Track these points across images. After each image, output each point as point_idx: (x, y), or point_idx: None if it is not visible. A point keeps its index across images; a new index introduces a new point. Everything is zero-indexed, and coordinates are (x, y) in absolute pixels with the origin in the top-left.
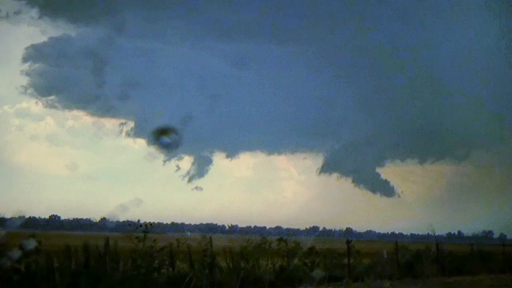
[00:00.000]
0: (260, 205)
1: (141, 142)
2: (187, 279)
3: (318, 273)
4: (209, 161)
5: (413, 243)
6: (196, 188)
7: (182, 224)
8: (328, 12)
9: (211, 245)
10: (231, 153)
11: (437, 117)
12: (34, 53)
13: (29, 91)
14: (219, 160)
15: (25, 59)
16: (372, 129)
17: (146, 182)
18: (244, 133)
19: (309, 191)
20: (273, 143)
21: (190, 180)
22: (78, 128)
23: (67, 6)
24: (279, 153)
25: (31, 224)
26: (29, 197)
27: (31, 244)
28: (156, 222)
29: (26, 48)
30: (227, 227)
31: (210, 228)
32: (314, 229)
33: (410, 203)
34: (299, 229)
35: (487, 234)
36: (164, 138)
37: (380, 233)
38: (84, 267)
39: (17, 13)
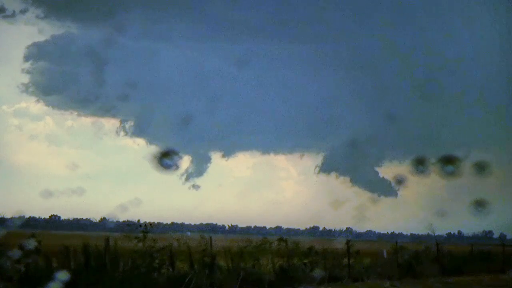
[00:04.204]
0: (260, 205)
1: (141, 142)
2: (187, 279)
3: (318, 273)
4: (207, 160)
5: (413, 243)
6: (193, 186)
7: (182, 224)
8: (328, 12)
9: (211, 245)
10: (228, 153)
11: (437, 117)
12: (36, 52)
13: (30, 89)
14: (216, 159)
15: (26, 58)
16: (371, 128)
17: (146, 182)
18: (242, 132)
19: (309, 191)
20: (271, 142)
21: (187, 178)
22: (78, 128)
23: (72, 6)
24: (277, 152)
25: (31, 224)
26: (29, 197)
27: (31, 244)
28: (156, 222)
29: (28, 47)
30: (227, 227)
31: (210, 228)
32: (314, 229)
33: (410, 203)
34: (299, 229)
35: (487, 234)
36: (166, 160)
37: (380, 233)
38: (84, 267)
39: (23, 11)
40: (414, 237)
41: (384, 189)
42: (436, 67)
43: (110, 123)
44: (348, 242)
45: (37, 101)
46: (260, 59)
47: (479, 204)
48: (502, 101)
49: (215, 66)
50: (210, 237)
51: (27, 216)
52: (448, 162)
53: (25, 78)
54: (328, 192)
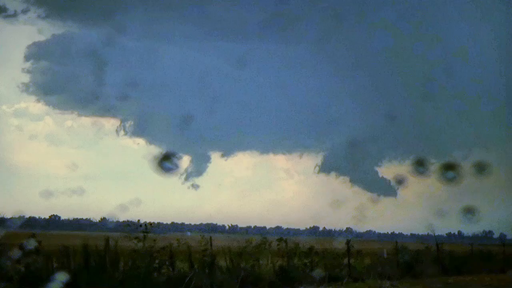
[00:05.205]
0: (260, 205)
1: (141, 142)
2: (187, 279)
3: (318, 273)
4: (207, 159)
5: (413, 243)
6: (193, 185)
7: (182, 224)
8: (328, 12)
9: (211, 245)
10: (228, 153)
11: (437, 117)
12: (37, 51)
13: (31, 89)
14: (215, 159)
15: (27, 57)
16: (371, 128)
17: (146, 182)
18: (241, 132)
19: (309, 191)
20: (271, 142)
21: (187, 178)
22: (78, 128)
23: (72, 6)
24: (277, 152)
25: (31, 224)
26: (29, 197)
27: (31, 244)
28: (156, 222)
29: (28, 46)
30: (227, 227)
31: (210, 228)
32: (314, 229)
33: (410, 203)
34: (299, 229)
35: (487, 234)
36: (166, 164)
37: (380, 233)
38: (84, 267)
39: (24, 11)
40: (414, 237)
41: (384, 189)
42: (436, 67)
43: (110, 123)
44: (348, 242)
45: (37, 101)
46: (260, 59)
47: (468, 211)
48: (502, 101)
49: (215, 66)
50: (210, 237)
51: (27, 216)
52: (449, 168)
53: (26, 78)
54: (328, 192)
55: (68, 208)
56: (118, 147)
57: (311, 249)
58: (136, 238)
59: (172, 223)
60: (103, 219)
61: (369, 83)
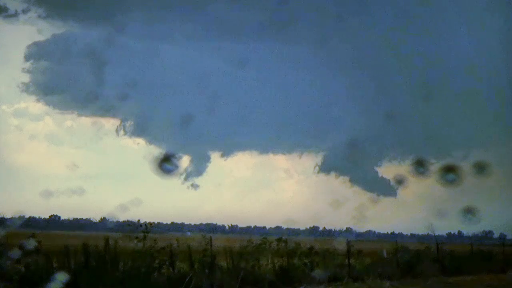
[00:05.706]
0: (260, 205)
1: (141, 142)
2: (187, 279)
3: (318, 273)
4: (207, 159)
5: (413, 243)
6: (192, 185)
7: (182, 224)
8: (328, 12)
9: (211, 245)
10: (227, 152)
11: (437, 117)
12: (37, 51)
13: (31, 89)
14: (215, 159)
15: (27, 57)
16: (371, 128)
17: (146, 182)
18: (241, 132)
19: (309, 191)
20: (270, 142)
21: (186, 178)
22: (78, 128)
23: (73, 5)
24: (276, 152)
25: (31, 224)
26: (29, 197)
27: (31, 244)
28: (156, 222)
29: (29, 46)
30: (227, 227)
31: (210, 228)
32: (314, 229)
33: (410, 203)
34: (299, 229)
35: (487, 234)
36: (166, 165)
37: (380, 233)
38: (84, 267)
39: (25, 11)
40: (414, 237)
41: (384, 189)
42: (436, 67)
43: (110, 123)
44: (348, 242)
45: (37, 100)
46: (260, 59)
47: (468, 211)
48: (502, 101)
49: (215, 66)
50: (210, 237)
51: (27, 216)
52: (449, 170)
53: (26, 78)
54: (328, 192)
55: (68, 208)
56: (118, 147)
57: (311, 249)
58: (136, 238)
59: (172, 223)
60: (103, 219)
61: (369, 83)
